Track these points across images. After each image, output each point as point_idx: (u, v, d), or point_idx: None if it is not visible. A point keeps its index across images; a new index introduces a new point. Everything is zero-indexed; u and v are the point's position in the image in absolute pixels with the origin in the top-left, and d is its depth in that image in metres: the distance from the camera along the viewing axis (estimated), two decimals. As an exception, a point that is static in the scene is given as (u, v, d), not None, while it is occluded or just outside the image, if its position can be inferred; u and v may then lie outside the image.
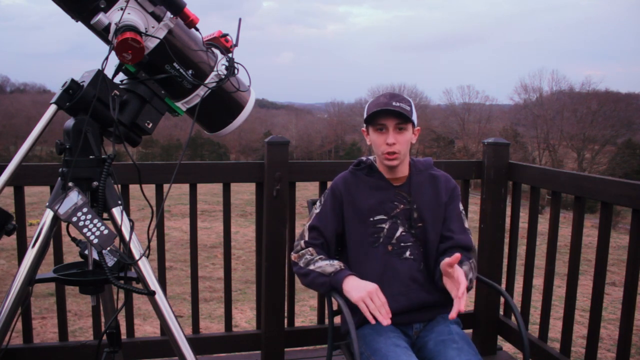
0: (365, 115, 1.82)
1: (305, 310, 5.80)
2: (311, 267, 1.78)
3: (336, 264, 1.75)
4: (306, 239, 1.86)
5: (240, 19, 1.50)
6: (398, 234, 1.82)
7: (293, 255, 1.88)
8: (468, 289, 1.63)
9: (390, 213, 1.83)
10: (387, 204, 1.84)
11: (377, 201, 1.84)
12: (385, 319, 1.55)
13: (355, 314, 1.78)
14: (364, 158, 1.95)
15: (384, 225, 1.83)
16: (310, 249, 1.83)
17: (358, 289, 1.62)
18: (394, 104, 1.75)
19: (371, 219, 1.83)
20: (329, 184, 2.62)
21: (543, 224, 2.73)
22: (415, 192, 1.85)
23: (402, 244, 1.82)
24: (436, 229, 1.84)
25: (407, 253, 1.82)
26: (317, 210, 1.91)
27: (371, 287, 1.62)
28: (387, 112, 1.75)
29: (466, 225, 1.90)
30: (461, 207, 1.91)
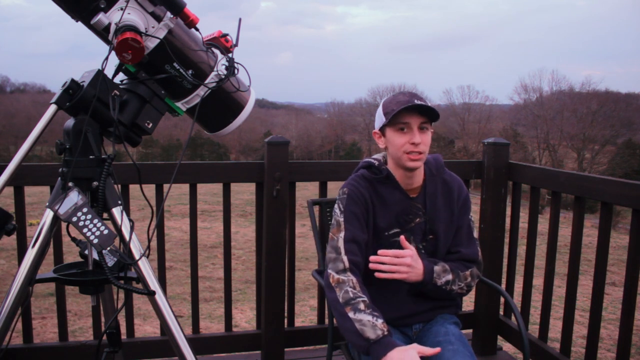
0: (383, 115, 1.67)
1: (305, 310, 5.80)
2: (350, 314, 1.54)
3: (379, 329, 1.50)
4: (343, 254, 1.64)
5: (240, 19, 1.50)
6: None
7: (332, 277, 1.63)
8: (450, 292, 1.71)
9: (405, 227, 1.74)
10: (403, 217, 1.73)
11: (394, 215, 1.73)
12: None
13: None
14: (374, 162, 1.79)
15: (397, 239, 1.71)
16: (352, 279, 1.61)
17: None
18: (416, 101, 1.62)
19: (386, 233, 1.73)
20: (329, 184, 2.61)
21: (543, 224, 2.73)
22: (430, 205, 1.76)
23: None
24: (447, 242, 1.78)
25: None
26: (342, 219, 1.70)
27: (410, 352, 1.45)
28: (413, 108, 1.61)
29: (475, 234, 1.84)
30: (471, 217, 1.85)
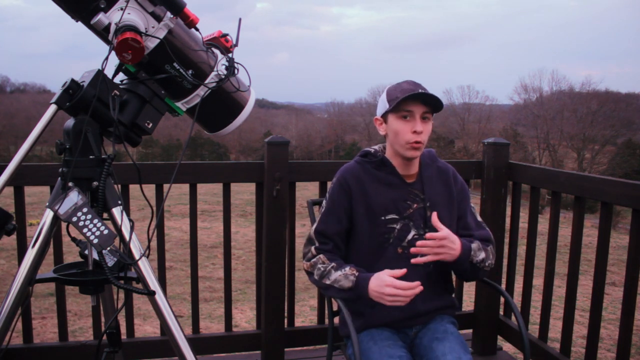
0: (387, 101, 1.71)
1: (305, 310, 5.80)
2: (327, 281, 1.70)
3: (350, 275, 1.66)
4: (316, 244, 1.77)
5: (240, 19, 1.50)
6: (410, 236, 1.75)
7: (305, 264, 1.78)
8: (481, 269, 1.75)
9: (403, 213, 1.75)
10: (400, 203, 1.75)
11: (389, 199, 1.74)
12: (412, 294, 1.55)
13: (355, 319, 1.77)
14: (371, 149, 1.84)
15: (395, 226, 1.74)
16: (321, 256, 1.74)
17: (382, 296, 1.58)
18: (421, 90, 1.65)
19: (382, 218, 1.74)
20: (329, 184, 2.61)
21: (543, 224, 2.73)
22: (428, 189, 1.78)
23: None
24: (451, 226, 1.77)
25: (418, 258, 1.74)
26: (323, 210, 1.80)
27: (386, 288, 1.56)
28: (418, 97, 1.64)
29: (479, 219, 1.87)
30: (473, 207, 1.88)
